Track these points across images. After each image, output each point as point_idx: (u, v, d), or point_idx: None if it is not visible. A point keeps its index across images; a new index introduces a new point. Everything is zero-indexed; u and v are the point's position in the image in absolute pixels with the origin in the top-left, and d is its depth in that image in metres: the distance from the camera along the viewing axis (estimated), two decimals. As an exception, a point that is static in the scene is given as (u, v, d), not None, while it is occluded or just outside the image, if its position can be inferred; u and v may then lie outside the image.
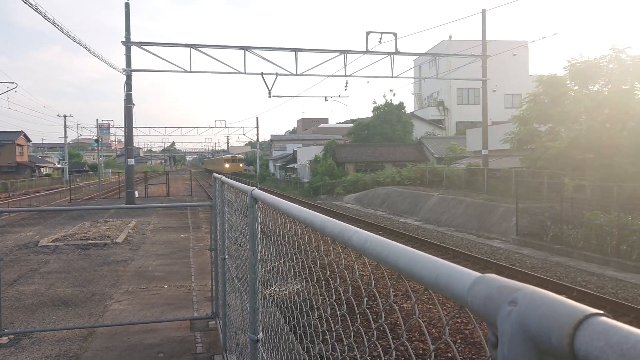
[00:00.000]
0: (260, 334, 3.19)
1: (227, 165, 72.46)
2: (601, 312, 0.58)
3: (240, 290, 4.47)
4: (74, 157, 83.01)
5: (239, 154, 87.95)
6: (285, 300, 2.78)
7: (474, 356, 7.30)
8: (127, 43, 22.81)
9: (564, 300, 0.62)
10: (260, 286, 3.15)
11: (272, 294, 3.20)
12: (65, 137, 63.46)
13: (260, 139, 75.13)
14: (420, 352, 7.32)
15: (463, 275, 0.82)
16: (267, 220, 3.02)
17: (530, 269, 13.11)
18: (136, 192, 27.27)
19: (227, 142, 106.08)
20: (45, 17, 19.20)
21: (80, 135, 74.61)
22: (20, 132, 64.63)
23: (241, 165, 75.32)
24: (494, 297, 0.72)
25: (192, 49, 23.16)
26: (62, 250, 12.85)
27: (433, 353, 1.09)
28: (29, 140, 71.11)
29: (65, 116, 60.99)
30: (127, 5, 23.14)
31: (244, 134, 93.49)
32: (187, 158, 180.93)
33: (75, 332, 6.66)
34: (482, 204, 20.96)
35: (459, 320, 8.53)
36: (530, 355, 0.64)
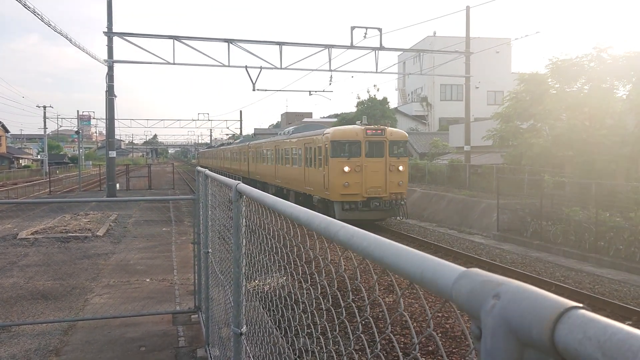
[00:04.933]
0: (244, 327, 3.20)
1: (346, 169, 17.34)
2: (581, 305, 0.60)
3: (224, 284, 4.47)
4: (53, 149, 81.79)
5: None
6: (269, 294, 2.80)
7: (454, 349, 7.40)
8: (109, 33, 22.47)
9: (545, 294, 0.64)
10: (244, 280, 3.16)
11: (255, 288, 3.21)
12: (45, 128, 62.50)
13: (244, 133, 74.60)
14: (402, 345, 7.40)
15: (448, 269, 0.84)
16: (252, 214, 3.03)
17: (511, 264, 13.30)
18: (117, 185, 26.96)
19: (210, 135, 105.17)
20: (25, 5, 18.84)
21: (61, 126, 73.32)
22: (-2, 123, 63.43)
23: (401, 168, 18.04)
24: (478, 291, 0.74)
25: (175, 40, 22.91)
26: (42, 243, 12.67)
27: (417, 346, 1.11)
28: (7, 130, 69.85)
29: (44, 107, 60.02)
30: (109, -5, 22.77)
31: (227, 128, 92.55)
32: (170, 151, 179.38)
33: (55, 325, 6.59)
34: (464, 200, 21.16)
35: (440, 314, 8.63)
36: (512, 348, 0.67)
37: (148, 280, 9.17)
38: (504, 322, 0.67)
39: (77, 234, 13.75)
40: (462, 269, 0.81)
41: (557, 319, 0.59)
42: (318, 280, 1.85)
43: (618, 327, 0.54)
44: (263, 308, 3.37)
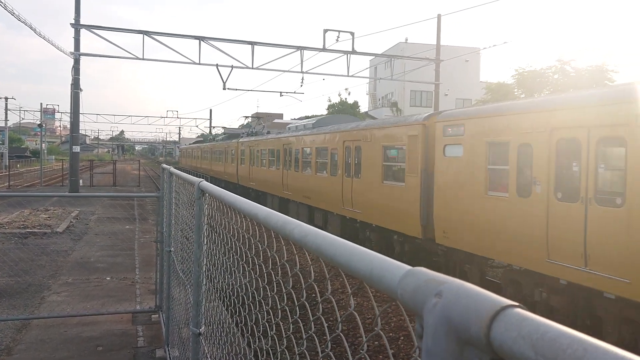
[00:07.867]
0: (203, 327, 3.16)
1: None
2: (517, 304, 0.61)
3: (185, 284, 4.40)
4: (14, 142, 79.18)
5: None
6: (228, 294, 2.77)
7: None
8: (77, 25, 21.94)
9: (485, 292, 0.65)
10: (204, 279, 3.12)
11: (215, 287, 3.18)
12: (6, 120, 60.62)
13: (213, 132, 73.77)
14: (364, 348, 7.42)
15: (395, 268, 0.84)
16: (214, 212, 2.99)
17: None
18: (81, 181, 26.31)
19: (179, 133, 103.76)
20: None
21: (23, 119, 71.17)
22: (-44, 113, 61.15)
23: None
24: (422, 289, 0.74)
25: (145, 35, 22.52)
26: (-2, 238, 12.25)
27: (366, 345, 1.11)
28: (-35, 121, 67.35)
29: (6, 98, 58.23)
30: (77, -14, 22.24)
31: (197, 126, 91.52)
32: (137, 148, 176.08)
33: (9, 324, 6.38)
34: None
35: (402, 317, 8.70)
36: (452, 346, 0.67)
37: (108, 278, 8.97)
38: (445, 320, 0.67)
39: (36, 230, 13.35)
40: (408, 267, 0.81)
41: (493, 317, 0.60)
42: (274, 280, 1.84)
43: (550, 326, 0.54)
44: (223, 307, 3.34)
